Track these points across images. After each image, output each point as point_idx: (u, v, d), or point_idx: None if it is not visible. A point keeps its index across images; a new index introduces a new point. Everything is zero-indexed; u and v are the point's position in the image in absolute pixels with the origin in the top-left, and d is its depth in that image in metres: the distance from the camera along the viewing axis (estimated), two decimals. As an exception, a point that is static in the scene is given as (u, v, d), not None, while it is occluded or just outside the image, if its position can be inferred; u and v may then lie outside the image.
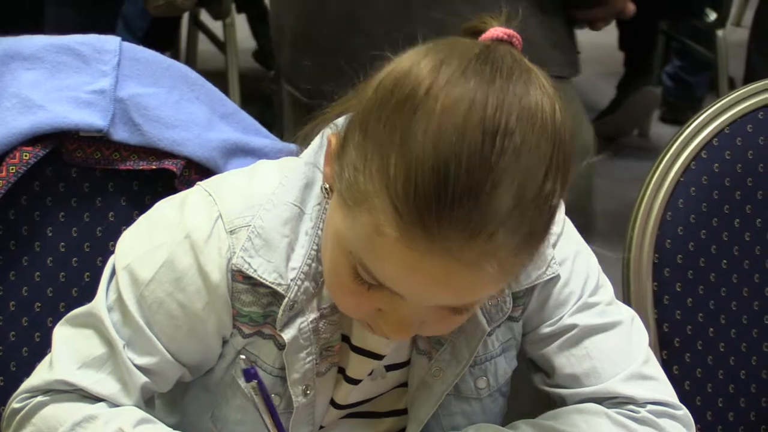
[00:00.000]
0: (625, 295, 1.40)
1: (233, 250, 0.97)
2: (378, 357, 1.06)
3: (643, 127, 3.97)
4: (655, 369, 1.11)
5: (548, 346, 1.10)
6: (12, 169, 1.20)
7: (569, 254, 1.10)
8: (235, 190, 1.02)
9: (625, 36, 3.89)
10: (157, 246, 0.99)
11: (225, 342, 1.02)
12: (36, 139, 1.22)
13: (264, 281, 0.98)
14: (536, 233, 0.88)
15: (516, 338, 1.10)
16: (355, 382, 1.07)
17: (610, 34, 3.89)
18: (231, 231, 0.98)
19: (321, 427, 1.10)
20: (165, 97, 1.27)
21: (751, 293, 1.40)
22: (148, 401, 1.03)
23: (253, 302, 1.00)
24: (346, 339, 1.05)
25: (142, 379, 0.99)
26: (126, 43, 1.28)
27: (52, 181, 1.23)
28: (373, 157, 0.86)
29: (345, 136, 0.91)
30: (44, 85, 1.26)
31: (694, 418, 1.15)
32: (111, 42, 1.28)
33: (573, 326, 1.09)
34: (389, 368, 1.09)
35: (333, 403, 1.08)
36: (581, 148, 1.65)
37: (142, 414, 0.99)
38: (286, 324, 1.00)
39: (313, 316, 1.01)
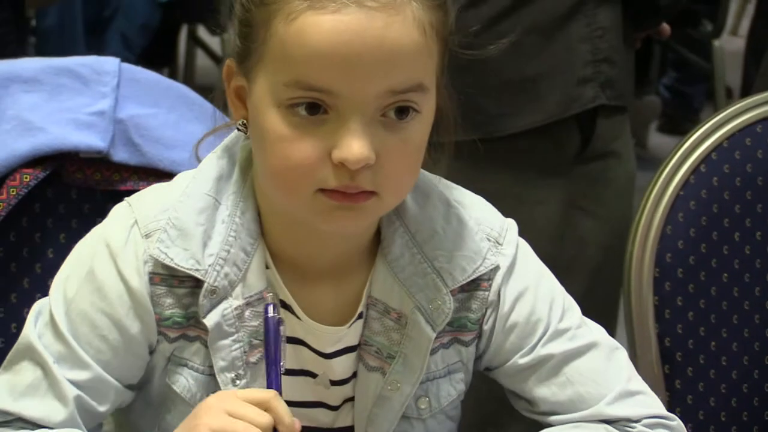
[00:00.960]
0: (626, 309, 1.40)
1: (149, 253, 1.00)
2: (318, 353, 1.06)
3: (641, 138, 3.99)
4: (640, 383, 1.11)
5: (527, 380, 1.09)
6: (12, 191, 1.22)
7: (530, 281, 1.09)
8: (153, 196, 1.05)
9: None
10: (81, 261, 1.02)
11: (153, 351, 1.03)
12: (36, 161, 1.23)
13: (181, 268, 0.99)
14: None
15: (464, 362, 1.09)
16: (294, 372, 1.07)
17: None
18: (146, 235, 1.00)
19: None
20: (164, 118, 1.29)
21: (752, 307, 1.41)
22: (94, 429, 1.04)
23: (173, 304, 1.01)
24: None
25: (74, 391, 1.00)
26: (125, 64, 1.30)
27: (53, 202, 1.24)
28: None
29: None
30: (44, 107, 1.27)
31: None
32: (110, 63, 1.30)
33: (549, 356, 1.08)
34: (334, 383, 1.08)
35: None
36: (627, 176, 1.68)
37: None
38: (209, 310, 1.01)
39: (237, 302, 1.02)
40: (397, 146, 0.98)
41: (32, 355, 1.00)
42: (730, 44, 3.99)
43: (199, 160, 1.09)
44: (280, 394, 0.96)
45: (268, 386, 0.98)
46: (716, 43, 3.57)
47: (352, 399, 1.09)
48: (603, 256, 1.64)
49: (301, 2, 0.92)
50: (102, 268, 1.01)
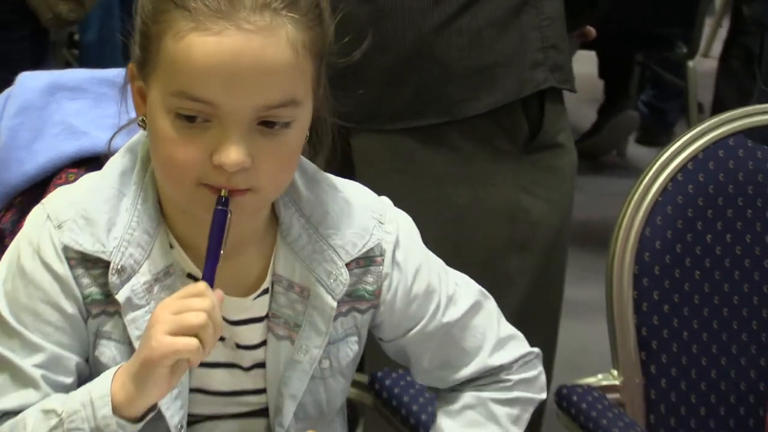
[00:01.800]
0: (608, 302, 1.53)
1: (62, 241, 1.11)
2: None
3: (621, 148, 4.19)
4: (507, 326, 1.26)
5: (417, 347, 1.24)
6: (59, 189, 1.32)
7: (422, 257, 1.23)
8: (62, 194, 1.17)
9: (605, 66, 4.14)
10: (12, 263, 1.14)
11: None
12: (80, 161, 1.34)
13: (89, 252, 1.11)
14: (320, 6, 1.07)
15: (358, 328, 1.22)
16: None
17: (591, 64, 4.08)
18: (58, 226, 1.12)
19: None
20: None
21: (721, 301, 1.54)
22: None
23: (91, 284, 1.13)
24: None
25: (38, 371, 1.11)
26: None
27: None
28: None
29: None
30: (88, 113, 1.38)
31: (669, 414, 1.29)
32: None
33: (443, 323, 1.21)
34: (242, 347, 1.18)
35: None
36: (571, 165, 1.78)
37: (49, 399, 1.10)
38: (120, 287, 1.12)
39: (144, 278, 1.13)
40: (272, 151, 1.08)
41: None
42: (702, 65, 4.14)
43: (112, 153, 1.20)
44: (212, 286, 1.05)
45: (203, 277, 1.07)
46: (690, 63, 3.77)
47: (262, 364, 1.20)
48: (553, 236, 1.75)
49: (188, 23, 1.03)
50: (29, 263, 1.13)
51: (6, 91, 1.42)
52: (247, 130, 1.05)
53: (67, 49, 3.68)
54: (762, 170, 1.57)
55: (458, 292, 1.22)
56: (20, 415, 1.11)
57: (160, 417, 1.13)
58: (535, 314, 1.70)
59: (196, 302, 1.03)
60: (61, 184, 1.37)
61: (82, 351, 1.14)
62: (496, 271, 1.66)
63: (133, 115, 1.24)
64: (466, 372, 1.23)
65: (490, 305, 1.25)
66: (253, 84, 1.04)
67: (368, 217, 1.20)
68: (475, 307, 1.23)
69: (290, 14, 1.05)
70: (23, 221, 1.22)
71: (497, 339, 1.24)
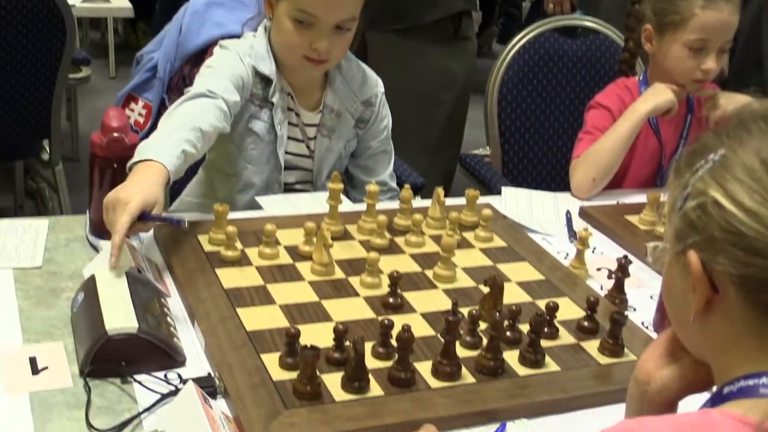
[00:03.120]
0: (486, 114, 2.70)
1: (251, 63, 1.94)
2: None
3: (490, 45, 6.15)
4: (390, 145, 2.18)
5: (366, 152, 2.15)
6: (217, 53, 2.56)
7: (387, 111, 2.14)
8: (235, 42, 2.02)
9: (482, 4, 5.97)
10: (219, 55, 2.00)
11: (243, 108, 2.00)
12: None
13: (265, 73, 1.96)
14: None
15: (357, 135, 2.12)
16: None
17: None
18: (242, 57, 1.96)
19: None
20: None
21: (546, 113, 2.79)
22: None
23: (257, 88, 1.96)
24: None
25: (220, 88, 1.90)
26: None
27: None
28: None
29: None
30: (226, 16, 2.57)
31: (513, 169, 2.61)
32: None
33: (380, 142, 2.15)
34: (309, 138, 2.05)
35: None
36: (473, 48, 3.12)
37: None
38: (272, 94, 1.95)
39: (282, 94, 1.95)
40: (340, 43, 1.90)
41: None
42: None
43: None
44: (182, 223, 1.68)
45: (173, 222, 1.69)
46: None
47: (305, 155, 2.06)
48: (464, 82, 3.04)
49: None
50: (231, 54, 1.95)
51: (185, 5, 2.57)
52: (330, 32, 1.89)
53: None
54: (565, 53, 2.77)
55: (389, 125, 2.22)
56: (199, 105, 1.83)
57: (269, 166, 2.04)
58: (451, 121, 3.01)
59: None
60: (212, 53, 2.45)
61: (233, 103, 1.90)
62: (437, 97, 2.95)
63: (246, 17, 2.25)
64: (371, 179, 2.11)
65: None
66: (338, 7, 1.87)
67: (372, 80, 2.11)
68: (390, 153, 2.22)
69: None
70: (195, 71, 2.04)
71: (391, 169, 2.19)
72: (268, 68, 1.99)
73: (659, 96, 2.25)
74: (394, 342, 1.46)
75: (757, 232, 0.90)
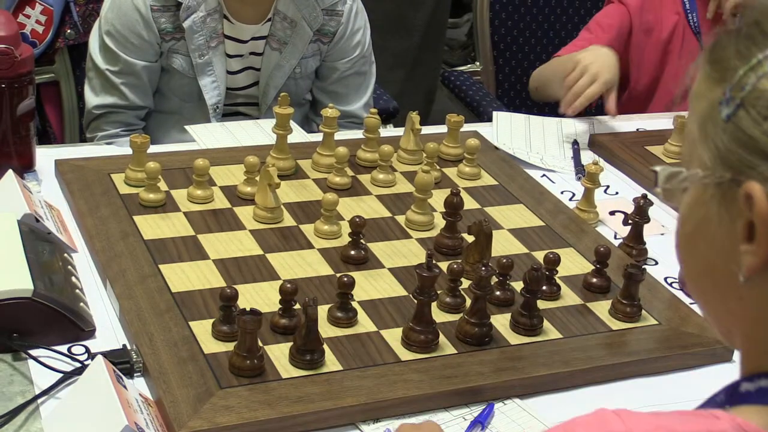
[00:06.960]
0: (474, 24, 2.76)
1: None
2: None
3: None
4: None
5: (333, 74, 2.22)
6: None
7: (365, 24, 2.22)
8: None
9: None
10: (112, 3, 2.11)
11: (160, 49, 2.13)
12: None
13: (169, 2, 2.03)
14: None
15: (321, 51, 2.18)
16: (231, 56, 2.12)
17: None
18: None
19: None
20: None
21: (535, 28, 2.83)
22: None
23: (165, 21, 2.06)
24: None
25: (118, 80, 2.14)
26: None
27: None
28: None
29: None
30: None
31: (509, 89, 2.61)
32: None
33: (351, 62, 2.23)
34: (252, 54, 2.13)
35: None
36: None
37: None
38: (185, 19, 2.00)
39: (201, 14, 2.02)
40: None
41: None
42: None
43: None
44: None
45: None
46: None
47: (256, 68, 2.13)
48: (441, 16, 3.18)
49: None
50: (122, 3, 2.03)
51: None
52: None
53: None
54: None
55: (366, 56, 2.26)
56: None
57: (202, 99, 2.07)
58: (431, 25, 3.09)
59: None
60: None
61: (152, 59, 2.09)
62: (417, 22, 3.07)
63: None
64: (341, 109, 2.12)
65: (373, 67, 2.30)
66: None
67: None
68: (371, 70, 2.29)
69: None
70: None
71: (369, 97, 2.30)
72: None
73: (613, 70, 2.19)
74: (355, 305, 1.43)
75: None
